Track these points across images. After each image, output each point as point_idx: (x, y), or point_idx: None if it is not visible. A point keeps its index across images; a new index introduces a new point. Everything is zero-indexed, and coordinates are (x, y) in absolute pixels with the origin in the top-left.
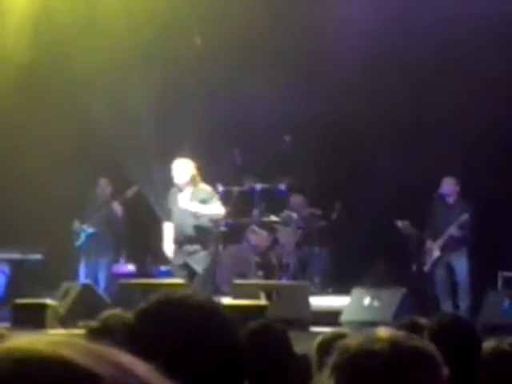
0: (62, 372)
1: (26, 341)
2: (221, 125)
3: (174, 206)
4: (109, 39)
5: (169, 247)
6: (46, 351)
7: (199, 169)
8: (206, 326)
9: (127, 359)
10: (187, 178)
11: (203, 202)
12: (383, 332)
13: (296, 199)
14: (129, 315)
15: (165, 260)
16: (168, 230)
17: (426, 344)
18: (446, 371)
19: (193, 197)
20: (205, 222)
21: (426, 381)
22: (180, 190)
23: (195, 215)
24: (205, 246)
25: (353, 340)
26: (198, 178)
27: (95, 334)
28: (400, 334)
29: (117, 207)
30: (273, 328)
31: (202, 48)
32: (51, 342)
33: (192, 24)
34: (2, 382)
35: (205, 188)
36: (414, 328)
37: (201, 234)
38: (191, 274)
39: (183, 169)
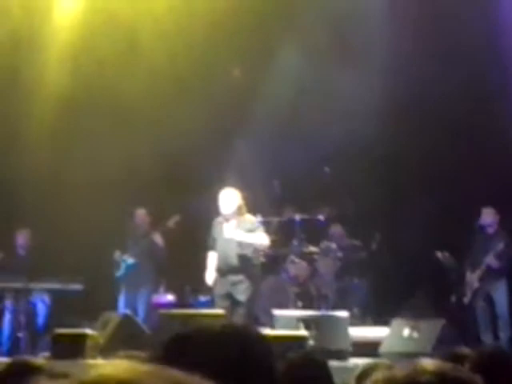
0: None
1: (125, 371)
2: (260, 154)
3: (219, 235)
4: (148, 69)
5: (211, 277)
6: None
7: (245, 199)
8: (245, 355)
9: None
10: (234, 207)
11: (249, 231)
12: (428, 363)
13: (335, 229)
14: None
15: (205, 290)
16: (212, 260)
17: (471, 375)
18: None
19: (238, 226)
20: (249, 253)
21: None
22: (226, 219)
23: (240, 245)
24: (249, 277)
25: (398, 371)
26: (244, 209)
27: None
28: (445, 365)
29: (157, 237)
30: (313, 359)
31: (241, 79)
32: (142, 372)
33: (231, 55)
34: None
35: (250, 218)
36: (455, 359)
37: (245, 265)
38: (233, 304)
39: (230, 199)
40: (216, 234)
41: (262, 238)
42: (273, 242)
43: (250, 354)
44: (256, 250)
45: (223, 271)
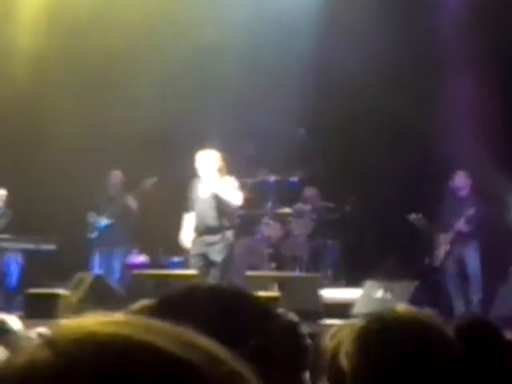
0: (163, 365)
1: (103, 323)
2: (234, 116)
3: (197, 196)
4: (123, 28)
5: (188, 237)
6: (135, 338)
7: (225, 160)
8: (239, 316)
9: (211, 344)
10: (213, 169)
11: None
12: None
13: (309, 191)
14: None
15: (178, 251)
16: (188, 221)
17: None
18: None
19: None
20: (226, 214)
21: (445, 349)
22: (204, 180)
23: (218, 206)
24: (225, 238)
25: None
26: (224, 170)
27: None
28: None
29: (129, 200)
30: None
31: (215, 40)
32: (127, 324)
33: (207, 23)
34: (102, 375)
35: (229, 179)
36: None
37: (221, 226)
38: (208, 264)
39: (209, 160)
40: (194, 195)
41: (236, 197)
42: (246, 203)
43: (244, 314)
44: (233, 211)
45: (200, 231)
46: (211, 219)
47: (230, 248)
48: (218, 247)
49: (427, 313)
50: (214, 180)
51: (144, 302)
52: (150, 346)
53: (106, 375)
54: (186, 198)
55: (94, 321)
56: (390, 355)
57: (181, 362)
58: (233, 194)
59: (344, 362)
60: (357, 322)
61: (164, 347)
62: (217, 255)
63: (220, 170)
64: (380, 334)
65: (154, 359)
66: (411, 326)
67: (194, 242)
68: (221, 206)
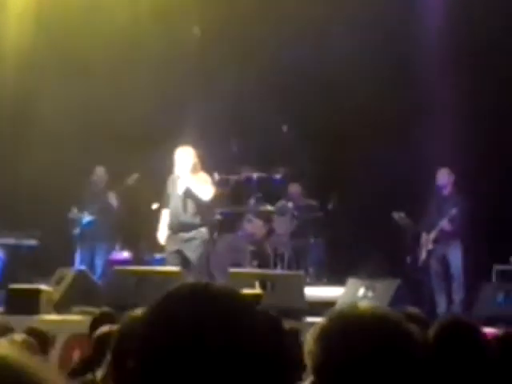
0: None
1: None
2: (219, 113)
3: (173, 192)
4: (109, 25)
5: (163, 235)
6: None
7: (200, 157)
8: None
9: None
10: (188, 166)
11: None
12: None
13: (293, 188)
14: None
15: (159, 247)
16: (165, 218)
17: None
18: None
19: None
20: (201, 210)
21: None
22: (179, 177)
23: (192, 202)
24: (200, 235)
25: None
26: (198, 166)
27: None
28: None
29: (111, 197)
30: (268, 317)
31: (201, 37)
32: None
33: (192, 13)
34: None
35: (204, 176)
36: (407, 319)
37: (196, 222)
38: (184, 261)
39: (185, 157)
40: (170, 191)
41: (207, 191)
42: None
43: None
44: (208, 208)
45: (175, 228)
46: (185, 216)
47: (206, 245)
48: (192, 244)
49: (408, 310)
50: (186, 176)
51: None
52: None
53: None
54: (163, 194)
55: None
56: (350, 354)
57: None
58: (203, 189)
59: (308, 361)
60: (319, 321)
61: None
62: (192, 252)
63: (194, 167)
64: (340, 332)
65: None
66: (373, 323)
67: (170, 239)
68: (194, 202)
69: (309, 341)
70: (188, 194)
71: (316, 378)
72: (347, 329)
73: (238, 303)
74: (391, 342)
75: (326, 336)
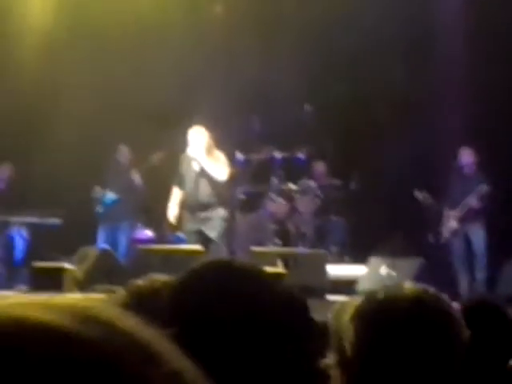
0: (54, 344)
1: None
2: (241, 92)
3: (188, 171)
4: (132, 3)
5: (173, 213)
6: (29, 319)
7: (213, 138)
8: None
9: (123, 319)
10: (202, 146)
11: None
12: (410, 289)
13: (317, 167)
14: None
15: (175, 227)
16: (175, 196)
17: (449, 305)
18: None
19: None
20: (219, 189)
21: (449, 328)
22: (192, 156)
23: (210, 181)
24: (220, 213)
25: (379, 294)
26: (213, 146)
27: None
28: (426, 293)
29: (135, 176)
30: (291, 294)
31: (224, 15)
32: (24, 305)
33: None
34: None
35: (219, 155)
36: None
37: (215, 201)
38: (204, 241)
39: (198, 138)
40: (184, 171)
41: (222, 171)
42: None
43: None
44: (225, 187)
45: (193, 208)
46: (201, 196)
47: (226, 223)
48: (212, 223)
49: (431, 290)
50: (200, 156)
51: (153, 276)
52: (42, 326)
53: None
54: (176, 172)
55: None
56: (387, 335)
57: (74, 339)
58: (218, 169)
59: (346, 343)
60: (357, 300)
61: (60, 326)
62: (212, 231)
63: (208, 147)
64: (378, 312)
65: (44, 339)
66: (412, 305)
67: (188, 219)
68: (209, 182)
69: (338, 319)
70: (203, 174)
71: (353, 359)
72: (384, 309)
73: (262, 279)
74: (429, 323)
75: (362, 316)
